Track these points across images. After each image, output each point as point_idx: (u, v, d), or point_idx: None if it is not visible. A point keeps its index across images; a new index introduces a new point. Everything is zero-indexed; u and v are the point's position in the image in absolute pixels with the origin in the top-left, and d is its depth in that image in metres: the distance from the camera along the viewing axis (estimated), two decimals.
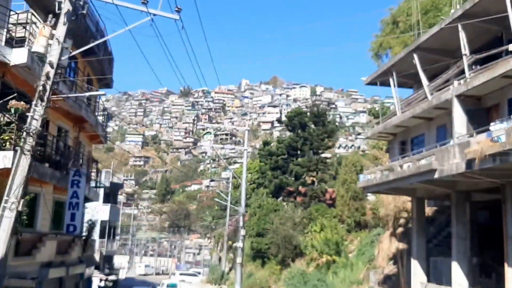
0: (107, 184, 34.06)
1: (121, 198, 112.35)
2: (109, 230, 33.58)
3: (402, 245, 25.11)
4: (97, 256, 28.47)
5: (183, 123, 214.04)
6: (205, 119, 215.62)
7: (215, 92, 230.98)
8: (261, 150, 41.68)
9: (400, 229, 26.86)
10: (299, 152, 38.29)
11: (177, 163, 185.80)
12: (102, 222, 32.14)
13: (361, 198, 31.17)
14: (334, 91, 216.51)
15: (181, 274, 45.49)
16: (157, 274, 68.50)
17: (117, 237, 40.88)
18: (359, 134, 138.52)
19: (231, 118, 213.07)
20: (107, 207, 34.45)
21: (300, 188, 35.96)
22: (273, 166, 38.07)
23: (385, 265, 26.56)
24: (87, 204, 22.76)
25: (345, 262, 28.28)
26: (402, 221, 27.08)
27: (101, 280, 29.12)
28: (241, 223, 24.76)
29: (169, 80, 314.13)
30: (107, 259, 33.65)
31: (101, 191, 30.80)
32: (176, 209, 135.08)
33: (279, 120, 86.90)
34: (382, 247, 27.18)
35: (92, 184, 21.95)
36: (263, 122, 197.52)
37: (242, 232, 24.51)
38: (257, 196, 36.31)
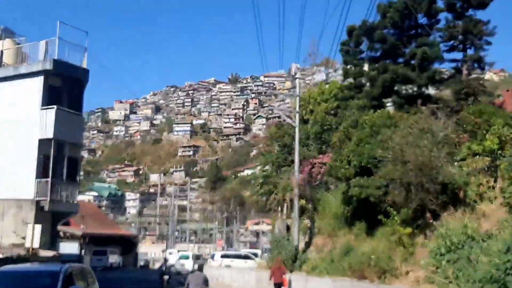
0: None
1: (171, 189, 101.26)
2: None
3: None
4: None
5: (232, 109, 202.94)
6: (255, 103, 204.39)
7: (264, 76, 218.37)
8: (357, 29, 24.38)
9: None
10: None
11: (228, 150, 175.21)
12: None
13: None
14: None
15: (224, 256, 32.65)
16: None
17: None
18: None
19: (283, 101, 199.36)
20: None
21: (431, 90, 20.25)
22: (380, 52, 22.35)
23: None
24: None
25: None
26: None
27: None
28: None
29: (215, 70, 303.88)
30: None
31: None
32: (228, 196, 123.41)
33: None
34: None
35: None
36: None
37: None
38: (348, 112, 21.17)
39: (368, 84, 23.61)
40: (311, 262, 21.66)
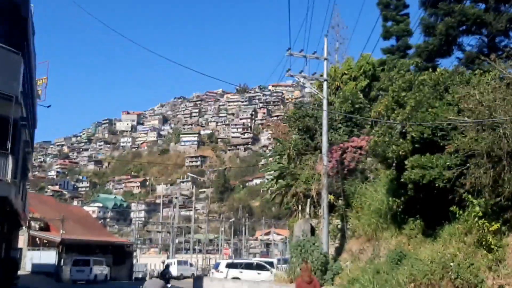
0: None
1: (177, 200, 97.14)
2: None
3: None
4: None
5: (240, 119, 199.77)
6: (263, 113, 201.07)
7: (272, 86, 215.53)
8: None
9: None
10: None
11: (236, 161, 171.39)
12: None
13: None
14: None
15: (230, 266, 26.02)
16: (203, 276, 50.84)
17: None
18: None
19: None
20: None
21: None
22: None
23: None
24: None
25: None
26: None
27: None
28: None
29: (223, 81, 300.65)
30: None
31: None
32: (236, 207, 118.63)
33: None
34: None
35: None
36: None
37: None
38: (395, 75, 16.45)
39: (413, 49, 18.83)
40: (347, 274, 16.82)
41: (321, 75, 20.73)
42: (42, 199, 51.38)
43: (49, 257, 34.85)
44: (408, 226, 14.82)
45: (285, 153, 22.89)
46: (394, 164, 13.90)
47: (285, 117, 24.21)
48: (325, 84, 20.11)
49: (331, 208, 18.95)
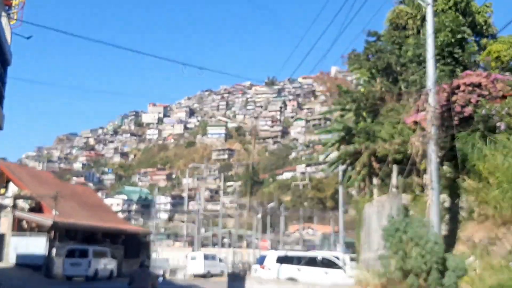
0: None
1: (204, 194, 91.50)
2: None
3: None
4: None
5: (269, 111, 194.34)
6: (293, 105, 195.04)
7: (303, 78, 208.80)
8: None
9: None
10: None
11: (265, 154, 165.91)
12: None
13: None
14: None
15: (282, 260, 18.21)
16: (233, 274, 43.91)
17: None
18: None
19: (324, 101, 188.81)
20: None
21: None
22: None
23: None
24: None
25: None
26: None
27: None
28: None
29: (251, 73, 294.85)
30: None
31: None
32: (268, 200, 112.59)
33: None
34: None
35: None
36: None
37: None
38: None
39: None
40: (477, 277, 10.07)
41: None
42: (35, 173, 41.29)
43: (38, 245, 27.72)
44: None
45: (352, 107, 16.32)
46: None
47: (352, 56, 17.47)
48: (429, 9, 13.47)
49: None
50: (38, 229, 29.41)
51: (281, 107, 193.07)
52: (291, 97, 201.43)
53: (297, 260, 18.56)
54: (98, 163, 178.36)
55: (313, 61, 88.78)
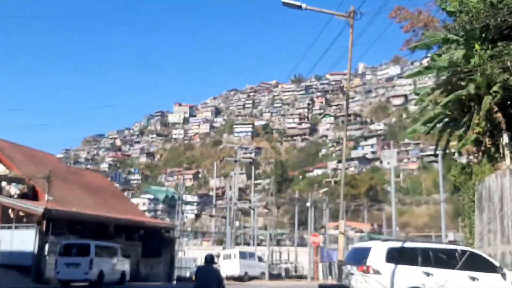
0: None
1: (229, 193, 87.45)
2: None
3: None
4: None
5: (296, 109, 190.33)
6: (321, 102, 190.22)
7: (330, 74, 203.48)
8: None
9: None
10: None
11: (292, 152, 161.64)
12: None
13: None
14: None
15: (396, 259, 10.58)
16: (287, 277, 38.35)
17: None
18: None
19: (352, 98, 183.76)
20: None
21: None
22: None
23: None
24: None
25: None
26: None
27: None
28: None
29: (276, 72, 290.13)
30: None
31: None
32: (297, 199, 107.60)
33: None
34: None
35: None
36: (394, 96, 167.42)
37: None
38: None
39: None
40: None
41: None
42: (32, 153, 32.37)
43: (26, 240, 21.63)
44: None
45: (459, 35, 11.44)
46: None
47: None
48: None
49: None
50: (27, 219, 23.67)
51: (308, 104, 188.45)
52: (318, 93, 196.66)
53: (423, 257, 11.43)
54: (124, 164, 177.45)
55: (337, 58, 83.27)
